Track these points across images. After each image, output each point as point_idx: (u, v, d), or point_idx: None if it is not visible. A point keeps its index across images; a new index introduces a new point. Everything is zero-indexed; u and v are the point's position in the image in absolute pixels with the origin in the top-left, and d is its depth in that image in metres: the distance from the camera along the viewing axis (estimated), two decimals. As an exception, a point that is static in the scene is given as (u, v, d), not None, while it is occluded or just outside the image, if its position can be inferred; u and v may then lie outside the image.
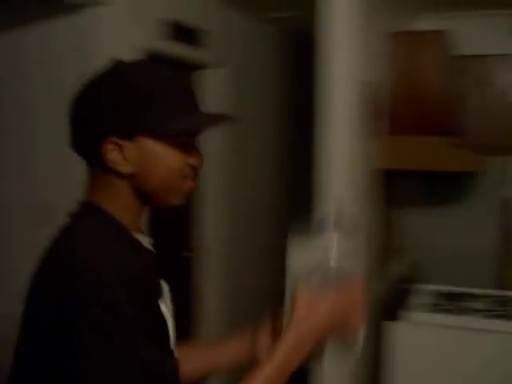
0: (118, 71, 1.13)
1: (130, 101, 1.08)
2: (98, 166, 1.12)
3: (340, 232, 1.20)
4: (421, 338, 2.80)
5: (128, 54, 2.87)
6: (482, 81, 3.69)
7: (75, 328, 0.96)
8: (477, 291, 3.25)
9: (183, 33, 3.32)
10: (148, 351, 0.99)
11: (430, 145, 2.98)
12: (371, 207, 3.06)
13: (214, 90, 3.74)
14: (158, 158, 1.10)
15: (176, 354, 1.15)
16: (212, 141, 3.72)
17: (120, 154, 1.09)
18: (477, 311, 2.92)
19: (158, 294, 1.13)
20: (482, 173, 3.61)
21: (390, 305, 2.94)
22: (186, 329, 3.85)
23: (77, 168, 1.25)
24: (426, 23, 3.85)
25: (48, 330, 1.01)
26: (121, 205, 1.13)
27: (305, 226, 1.21)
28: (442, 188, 3.78)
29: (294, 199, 4.71)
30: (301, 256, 1.19)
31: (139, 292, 1.02)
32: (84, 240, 1.05)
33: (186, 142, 1.14)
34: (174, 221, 3.74)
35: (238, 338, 1.38)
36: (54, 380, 1.00)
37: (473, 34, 3.93)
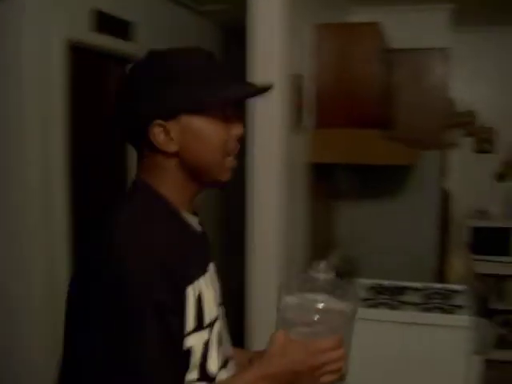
0: (153, 59, 1.18)
1: (169, 83, 1.13)
2: (146, 149, 1.18)
3: (328, 284, 1.21)
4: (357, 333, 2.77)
5: (53, 45, 2.75)
6: (416, 74, 3.69)
7: (91, 307, 1.03)
8: (414, 285, 3.24)
9: (111, 24, 3.19)
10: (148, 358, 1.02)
11: (363, 138, 2.94)
12: (304, 201, 3.02)
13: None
14: (201, 132, 1.15)
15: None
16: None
17: (166, 135, 1.14)
18: (413, 305, 2.91)
19: (192, 278, 1.15)
20: (416, 166, 3.61)
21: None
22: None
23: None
24: (361, 16, 3.84)
25: (74, 303, 1.08)
26: (170, 184, 1.18)
27: (295, 275, 1.22)
28: (379, 181, 3.76)
29: (223, 195, 4.64)
30: (289, 303, 1.20)
31: (169, 277, 1.06)
32: (124, 222, 1.09)
33: (226, 115, 1.18)
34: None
35: (240, 350, 1.44)
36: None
37: (408, 28, 3.95)
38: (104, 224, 1.12)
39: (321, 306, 1.17)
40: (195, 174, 1.18)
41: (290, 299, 1.20)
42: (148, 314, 1.02)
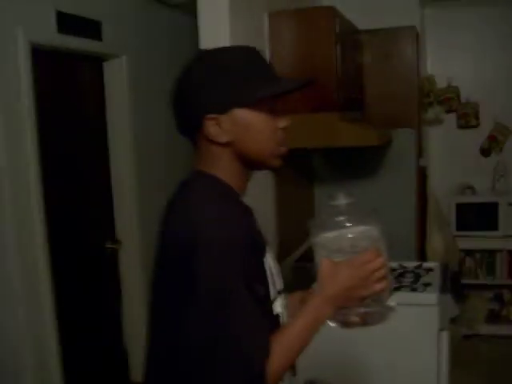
0: (206, 56, 1.33)
1: (221, 80, 1.27)
2: (202, 140, 1.32)
3: (354, 216, 1.33)
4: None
5: (18, 48, 2.77)
6: (385, 54, 3.68)
7: (189, 289, 1.16)
8: (394, 264, 3.21)
9: (78, 25, 3.20)
10: (243, 328, 1.16)
11: (323, 122, 2.93)
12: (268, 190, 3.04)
13: (115, 81, 3.67)
14: (251, 124, 1.29)
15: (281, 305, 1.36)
16: (124, 135, 3.70)
17: (218, 127, 1.28)
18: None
19: (264, 251, 1.31)
20: (392, 145, 3.60)
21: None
22: (112, 323, 3.80)
23: None
24: (326, 1, 3.81)
25: (167, 285, 1.25)
26: (226, 171, 1.31)
27: (324, 211, 1.36)
28: (356, 163, 3.76)
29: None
30: (323, 236, 1.33)
31: (250, 254, 1.21)
32: (202, 207, 1.21)
33: (272, 108, 1.31)
34: (96, 209, 3.66)
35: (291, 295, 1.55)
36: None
37: (376, 9, 3.93)
38: (184, 209, 1.24)
39: (352, 234, 1.32)
40: (248, 161, 1.32)
41: (323, 235, 1.33)
42: (241, 287, 1.17)
